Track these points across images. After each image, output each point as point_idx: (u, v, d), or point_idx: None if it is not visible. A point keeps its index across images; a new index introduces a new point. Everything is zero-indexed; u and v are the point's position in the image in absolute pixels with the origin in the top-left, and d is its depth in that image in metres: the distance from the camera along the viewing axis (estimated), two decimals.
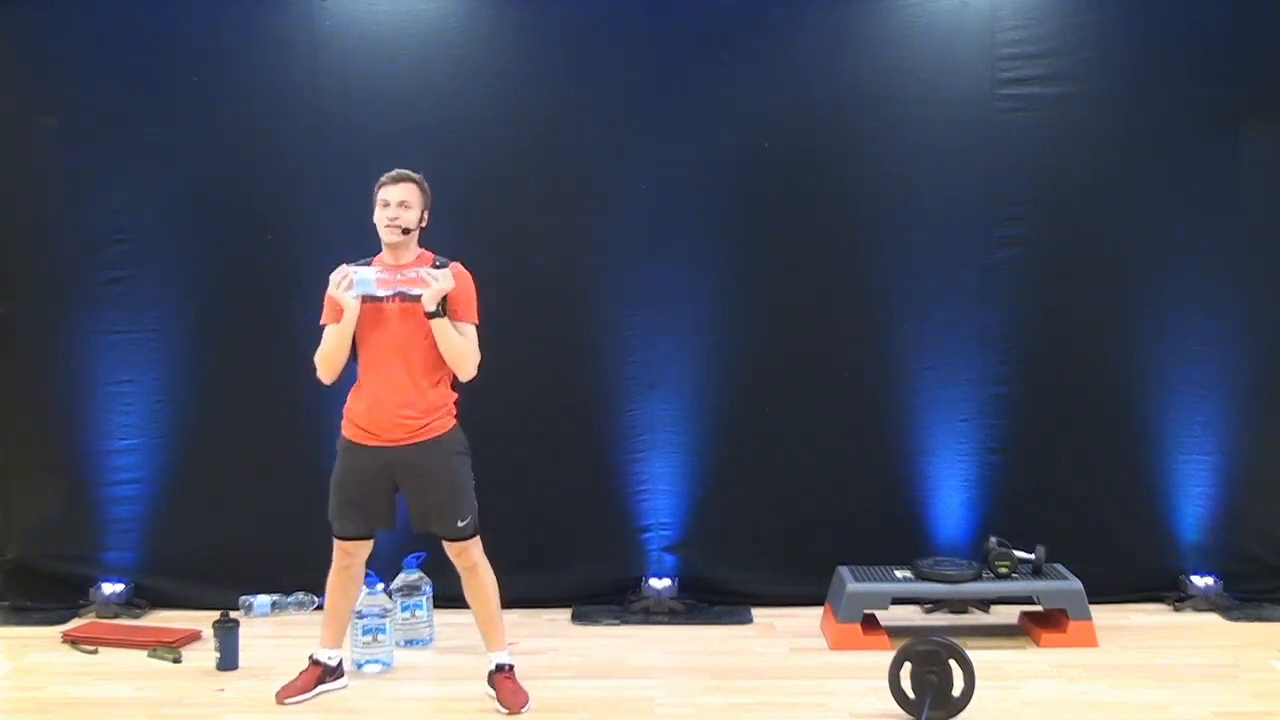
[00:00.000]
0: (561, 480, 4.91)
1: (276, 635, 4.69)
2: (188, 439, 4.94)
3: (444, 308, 3.80)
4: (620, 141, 4.87)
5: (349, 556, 4.00)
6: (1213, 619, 4.76)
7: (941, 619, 4.78)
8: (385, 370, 3.85)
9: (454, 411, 3.95)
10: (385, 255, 3.90)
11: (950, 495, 4.93)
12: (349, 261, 3.84)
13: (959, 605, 4.80)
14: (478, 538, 3.95)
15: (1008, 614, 4.75)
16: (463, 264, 3.93)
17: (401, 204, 3.84)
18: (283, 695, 3.98)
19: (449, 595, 4.44)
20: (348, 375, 3.93)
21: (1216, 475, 4.91)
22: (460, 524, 3.89)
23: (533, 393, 4.87)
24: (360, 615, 4.27)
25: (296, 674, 4.05)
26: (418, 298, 3.78)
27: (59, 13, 4.84)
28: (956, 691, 3.74)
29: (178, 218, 4.89)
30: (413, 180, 3.88)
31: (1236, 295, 4.87)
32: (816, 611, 4.76)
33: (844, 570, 4.65)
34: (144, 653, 4.45)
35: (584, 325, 4.94)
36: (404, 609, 4.54)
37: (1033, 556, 4.58)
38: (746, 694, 4.05)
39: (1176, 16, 4.82)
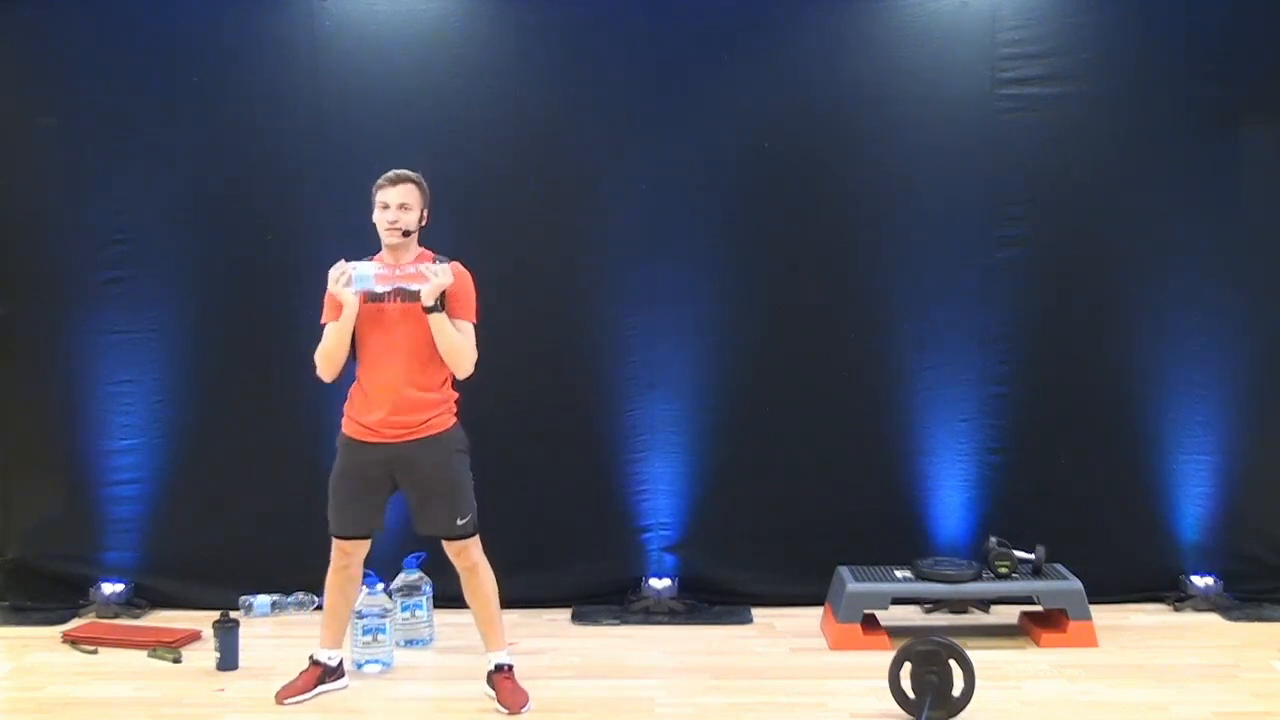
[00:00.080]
0: (561, 480, 4.91)
1: (276, 635, 4.69)
2: (188, 439, 4.94)
3: (442, 303, 3.80)
4: (620, 141, 4.87)
5: (347, 556, 4.00)
6: (1213, 619, 4.76)
7: (941, 619, 4.78)
8: (385, 369, 3.85)
9: (454, 410, 3.95)
10: (385, 255, 3.89)
11: (950, 495, 4.93)
12: (348, 261, 3.84)
13: (959, 605, 4.79)
14: (477, 537, 3.95)
15: (1008, 614, 4.75)
16: (462, 263, 3.93)
17: (401, 206, 3.84)
18: (282, 695, 3.98)
19: (449, 595, 4.44)
20: (347, 373, 3.93)
21: (1216, 475, 4.91)
22: (460, 522, 3.89)
23: (533, 393, 4.87)
24: (360, 615, 4.27)
25: (296, 674, 4.05)
26: (418, 295, 3.78)
27: (59, 13, 4.84)
28: (956, 691, 3.74)
29: (178, 218, 4.89)
30: (412, 181, 3.87)
31: (1236, 295, 4.87)
32: (816, 611, 4.76)
33: (844, 570, 4.65)
34: (144, 653, 4.45)
35: (584, 325, 4.94)
36: (404, 609, 4.54)
37: (1033, 556, 4.57)
38: (746, 694, 4.05)
39: (1176, 16, 4.82)
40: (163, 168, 4.87)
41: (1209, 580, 4.87)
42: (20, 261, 4.96)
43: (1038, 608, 4.60)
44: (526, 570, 4.68)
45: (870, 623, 4.55)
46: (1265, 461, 4.91)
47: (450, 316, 3.83)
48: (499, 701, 3.92)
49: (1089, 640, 4.46)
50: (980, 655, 3.87)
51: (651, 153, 4.85)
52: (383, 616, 4.33)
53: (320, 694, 4.03)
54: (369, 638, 4.30)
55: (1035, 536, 4.62)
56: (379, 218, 3.86)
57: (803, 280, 4.92)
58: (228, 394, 4.93)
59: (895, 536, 4.86)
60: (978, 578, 4.56)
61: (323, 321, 3.90)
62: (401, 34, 4.82)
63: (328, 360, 3.87)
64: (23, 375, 4.97)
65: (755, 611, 4.88)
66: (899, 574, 4.61)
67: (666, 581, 4.88)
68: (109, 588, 4.87)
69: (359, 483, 3.92)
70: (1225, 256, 4.86)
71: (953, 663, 3.74)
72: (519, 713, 3.89)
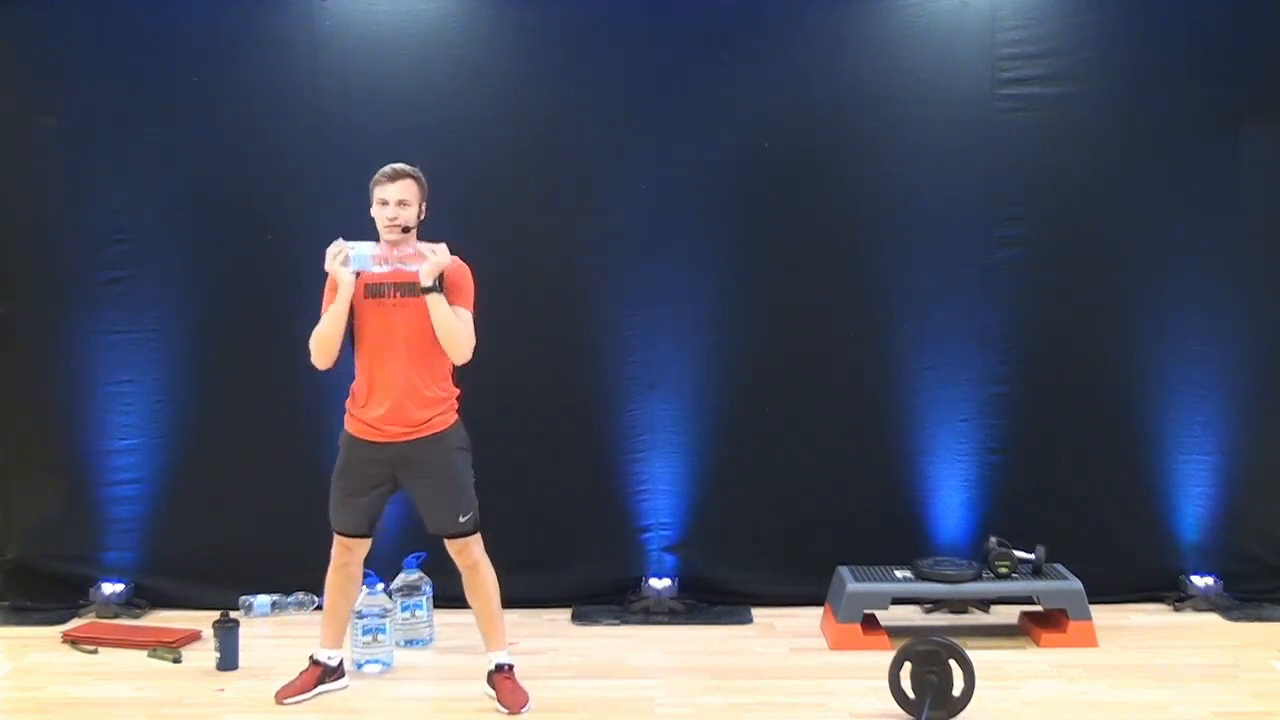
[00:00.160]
0: (561, 480, 4.91)
1: (276, 635, 4.69)
2: (188, 439, 4.94)
3: (440, 284, 3.79)
4: (620, 141, 4.87)
5: (349, 553, 4.00)
6: (1213, 619, 4.76)
7: (941, 619, 4.78)
8: (387, 366, 3.84)
9: (456, 406, 3.95)
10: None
11: (950, 495, 4.93)
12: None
13: (959, 605, 4.79)
14: (478, 535, 3.95)
15: (1008, 614, 4.75)
16: (461, 259, 3.92)
17: (400, 202, 3.84)
18: (282, 695, 3.98)
19: (449, 595, 4.44)
20: (346, 369, 3.93)
21: (1216, 475, 4.91)
22: (461, 519, 3.89)
23: (533, 393, 4.87)
24: (360, 615, 4.27)
25: (296, 674, 4.05)
26: (417, 290, 3.77)
27: (59, 13, 4.84)
28: (956, 691, 3.74)
29: (178, 218, 4.89)
30: (410, 176, 3.87)
31: (1236, 295, 4.87)
32: (816, 611, 4.76)
33: (844, 570, 4.65)
34: (144, 653, 4.45)
35: (584, 325, 4.94)
36: (404, 609, 4.54)
37: (1033, 556, 4.57)
38: (746, 694, 4.05)
39: (1176, 16, 4.82)
40: (163, 168, 4.87)
41: (1209, 580, 4.87)
42: (20, 261, 4.96)
43: (1038, 608, 4.60)
44: (526, 570, 4.67)
45: (870, 623, 4.55)
46: (1265, 461, 4.91)
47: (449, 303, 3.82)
48: (499, 701, 3.92)
49: (1089, 640, 4.46)
50: (980, 655, 3.87)
51: (651, 153, 4.85)
52: (383, 616, 4.33)
53: (320, 694, 4.03)
54: (369, 638, 4.30)
55: (1035, 536, 4.62)
56: (378, 214, 3.86)
57: (803, 280, 4.92)
58: (228, 394, 4.93)
59: (895, 536, 4.86)
60: (978, 578, 4.56)
61: (323, 311, 3.89)
62: (401, 34, 4.82)
63: (322, 345, 3.84)
64: (23, 375, 4.97)
65: (755, 611, 4.88)
66: (899, 574, 4.61)
67: (666, 581, 4.88)
68: (109, 588, 4.87)
69: (361, 480, 3.92)
70: (1225, 256, 4.86)
71: (953, 663, 3.74)
72: (519, 712, 3.89)
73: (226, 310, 4.91)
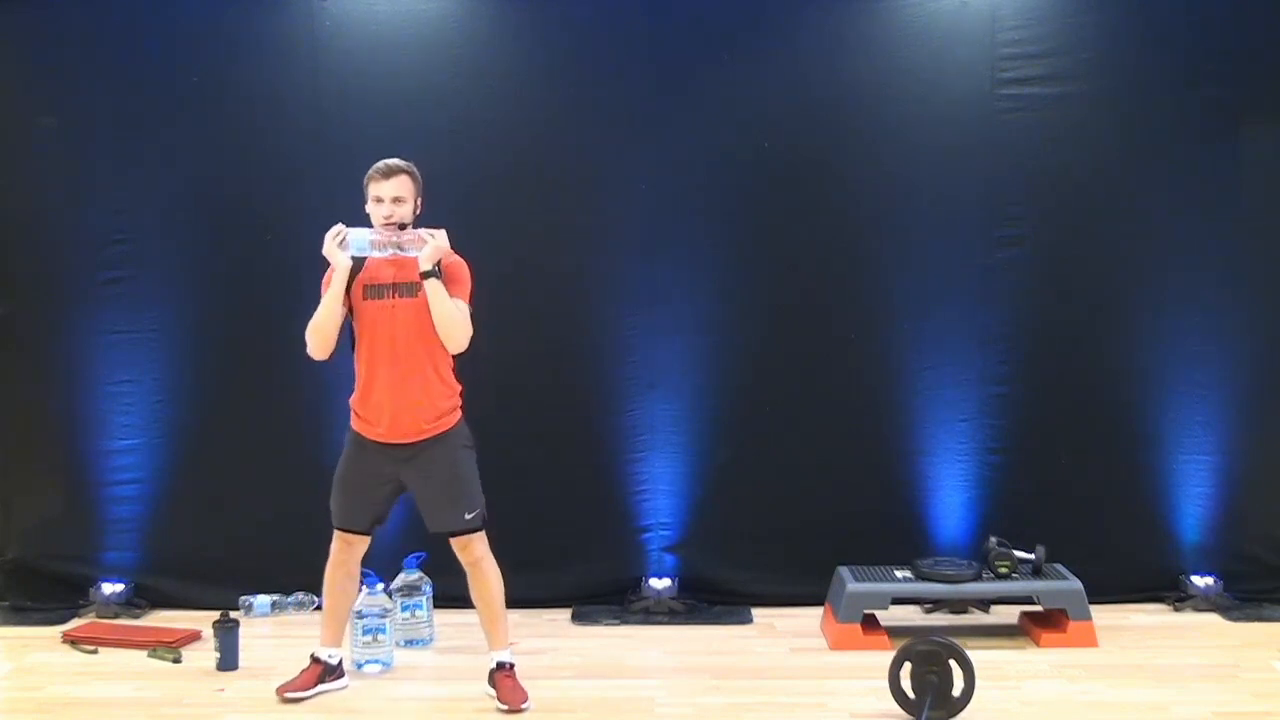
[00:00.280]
0: (561, 480, 4.91)
1: (276, 635, 4.69)
2: (188, 439, 4.94)
3: (439, 270, 3.78)
4: (620, 141, 4.87)
5: (348, 549, 4.00)
6: (1213, 619, 4.76)
7: (941, 619, 4.78)
8: (389, 366, 3.84)
9: (459, 404, 3.95)
10: None
11: (950, 495, 4.93)
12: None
13: (959, 605, 4.79)
14: (483, 533, 3.95)
15: (1008, 614, 4.75)
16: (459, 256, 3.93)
17: (395, 200, 3.84)
18: (283, 690, 3.98)
19: (449, 595, 4.45)
20: (347, 369, 3.92)
21: (1216, 475, 4.90)
22: (467, 516, 3.89)
23: (533, 393, 4.87)
24: (360, 615, 4.27)
25: (297, 673, 4.04)
26: (417, 290, 3.77)
27: (59, 13, 4.84)
28: (956, 691, 3.74)
29: (178, 218, 4.89)
30: (405, 172, 3.87)
31: (1236, 295, 4.86)
32: (816, 611, 4.75)
33: (844, 570, 4.65)
34: (144, 653, 4.45)
35: (584, 325, 4.94)
36: (404, 609, 4.54)
37: (1033, 556, 4.57)
38: (746, 694, 4.05)
39: (1176, 16, 4.82)
40: (163, 168, 4.87)
41: (1209, 580, 4.87)
42: (20, 261, 4.96)
43: (1038, 608, 4.60)
44: (526, 570, 4.65)
45: (870, 623, 4.54)
46: (1265, 461, 4.91)
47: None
48: (499, 699, 3.91)
49: (1089, 640, 4.45)
50: (980, 655, 3.86)
51: (651, 153, 4.85)
52: (383, 616, 4.33)
53: (320, 693, 4.03)
54: (369, 638, 4.30)
55: (1035, 536, 4.62)
56: (373, 211, 3.86)
57: (803, 280, 4.92)
58: (228, 394, 4.93)
59: (895, 536, 4.86)
60: (978, 578, 4.56)
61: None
62: (401, 34, 4.82)
63: (319, 333, 3.83)
64: (23, 375, 4.97)
65: (755, 611, 4.88)
66: (899, 574, 4.61)
67: (666, 581, 4.88)
68: (109, 588, 4.87)
69: (365, 479, 3.93)
70: (1225, 256, 4.86)
71: (953, 663, 3.73)
72: (519, 710, 3.88)
73: (226, 310, 4.91)
